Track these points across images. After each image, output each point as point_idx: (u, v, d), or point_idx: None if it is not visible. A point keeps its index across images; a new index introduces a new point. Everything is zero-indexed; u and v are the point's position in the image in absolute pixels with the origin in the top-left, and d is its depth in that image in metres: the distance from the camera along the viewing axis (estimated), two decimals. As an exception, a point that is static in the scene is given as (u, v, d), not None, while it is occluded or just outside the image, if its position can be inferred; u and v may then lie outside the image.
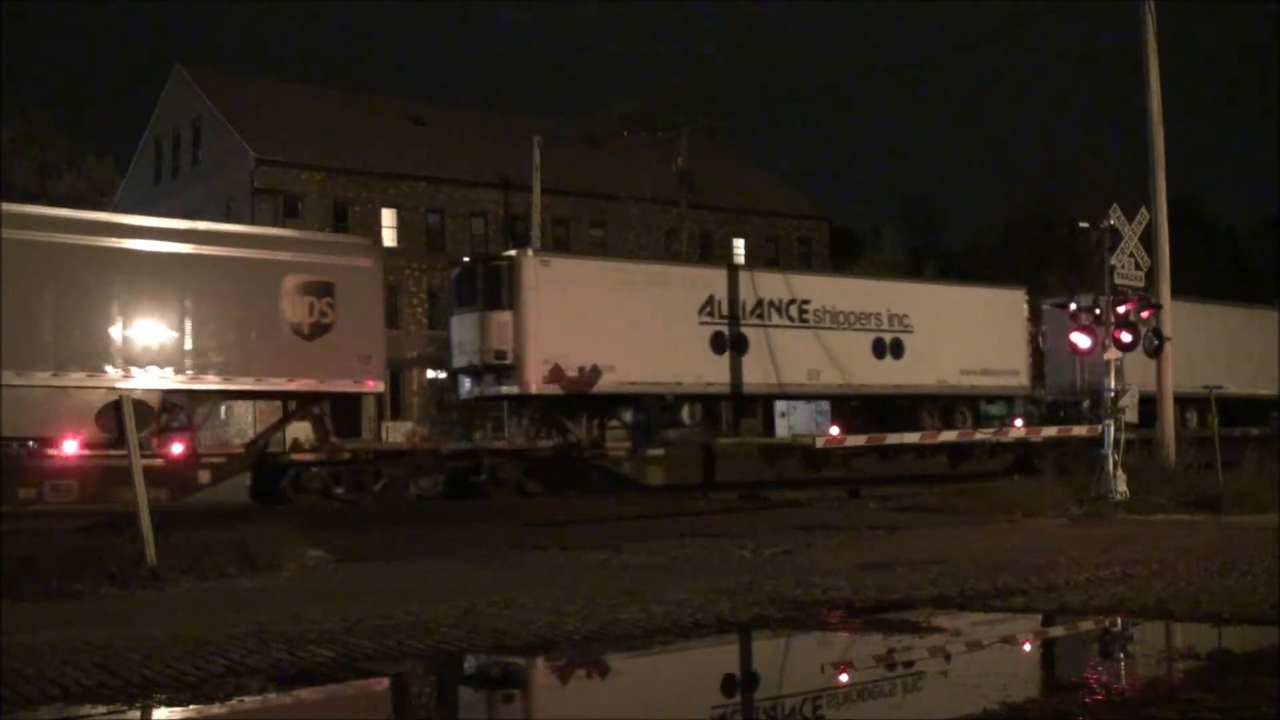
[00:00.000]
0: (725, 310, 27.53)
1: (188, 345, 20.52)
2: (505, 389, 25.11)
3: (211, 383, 20.84)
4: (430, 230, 48.55)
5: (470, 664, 6.91)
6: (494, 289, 24.96)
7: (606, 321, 25.62)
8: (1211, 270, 55.52)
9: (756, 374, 27.76)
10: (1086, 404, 22.73)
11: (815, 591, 9.10)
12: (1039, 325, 34.46)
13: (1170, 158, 21.66)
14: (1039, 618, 8.20)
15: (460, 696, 6.64)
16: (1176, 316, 32.34)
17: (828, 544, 12.96)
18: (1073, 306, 19.12)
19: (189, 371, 20.48)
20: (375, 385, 22.69)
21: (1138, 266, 20.18)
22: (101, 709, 5.69)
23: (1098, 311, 19.08)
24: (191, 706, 5.77)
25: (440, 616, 7.96)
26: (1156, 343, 20.18)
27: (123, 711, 5.67)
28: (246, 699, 5.92)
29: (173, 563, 10.16)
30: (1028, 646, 7.66)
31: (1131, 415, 19.36)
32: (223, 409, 41.26)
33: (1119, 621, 8.11)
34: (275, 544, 11.23)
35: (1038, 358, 34.79)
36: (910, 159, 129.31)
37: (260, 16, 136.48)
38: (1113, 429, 18.30)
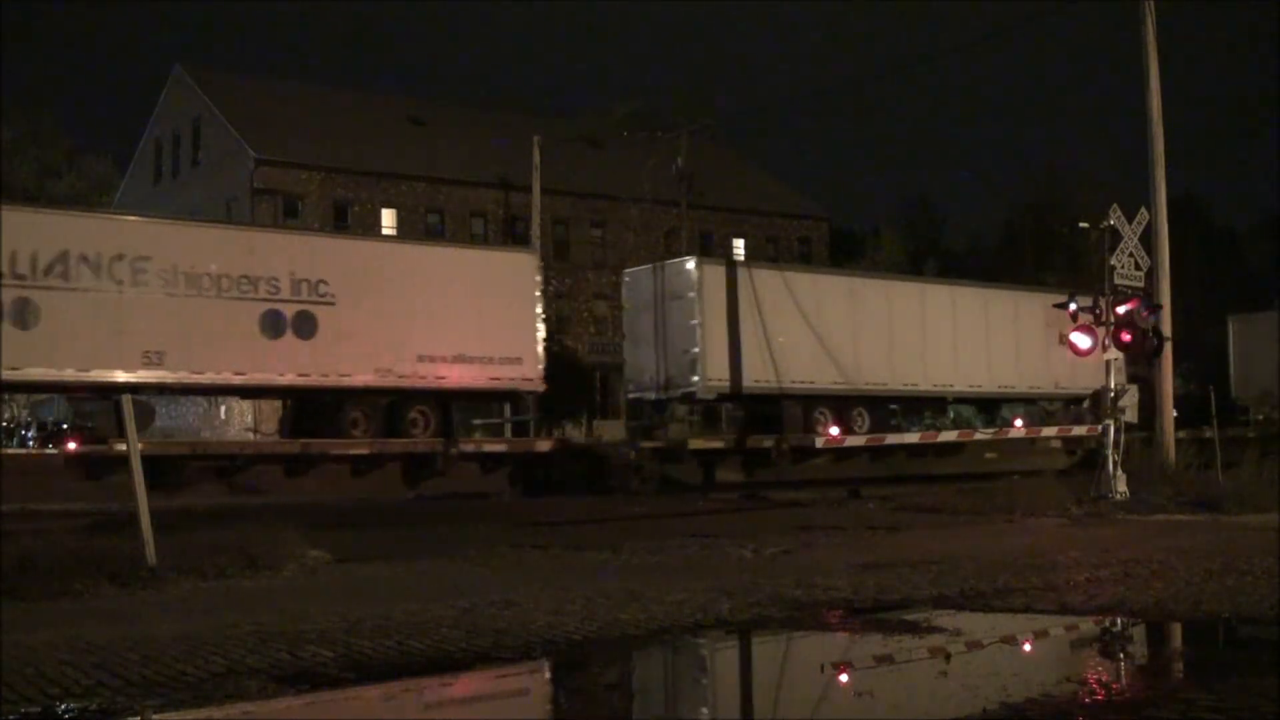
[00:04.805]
0: None
1: None
2: None
3: None
4: (430, 230, 48.54)
5: (469, 663, 6.89)
6: None
7: None
8: (1211, 270, 55.52)
9: (37, 355, 20.59)
10: (1087, 403, 22.70)
11: (816, 591, 9.10)
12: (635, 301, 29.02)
13: (1170, 158, 21.70)
14: (1039, 618, 8.19)
15: (459, 696, 6.63)
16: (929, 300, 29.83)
17: (828, 544, 12.96)
18: (1073, 306, 19.12)
19: None
20: None
21: (1138, 266, 20.21)
22: (101, 709, 5.69)
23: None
24: (191, 707, 5.76)
25: (440, 616, 7.96)
26: (1156, 343, 20.18)
27: (123, 712, 5.67)
28: (246, 699, 5.92)
29: (173, 563, 10.16)
30: (1028, 646, 7.66)
31: (1131, 415, 19.39)
32: (222, 408, 41.17)
33: (1119, 621, 8.10)
34: (275, 544, 11.22)
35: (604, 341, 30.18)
36: (910, 159, 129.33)
37: (260, 16, 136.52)
38: (1112, 429, 18.32)
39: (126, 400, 10.96)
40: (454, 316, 24.45)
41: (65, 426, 29.51)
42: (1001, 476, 23.60)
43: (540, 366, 25.66)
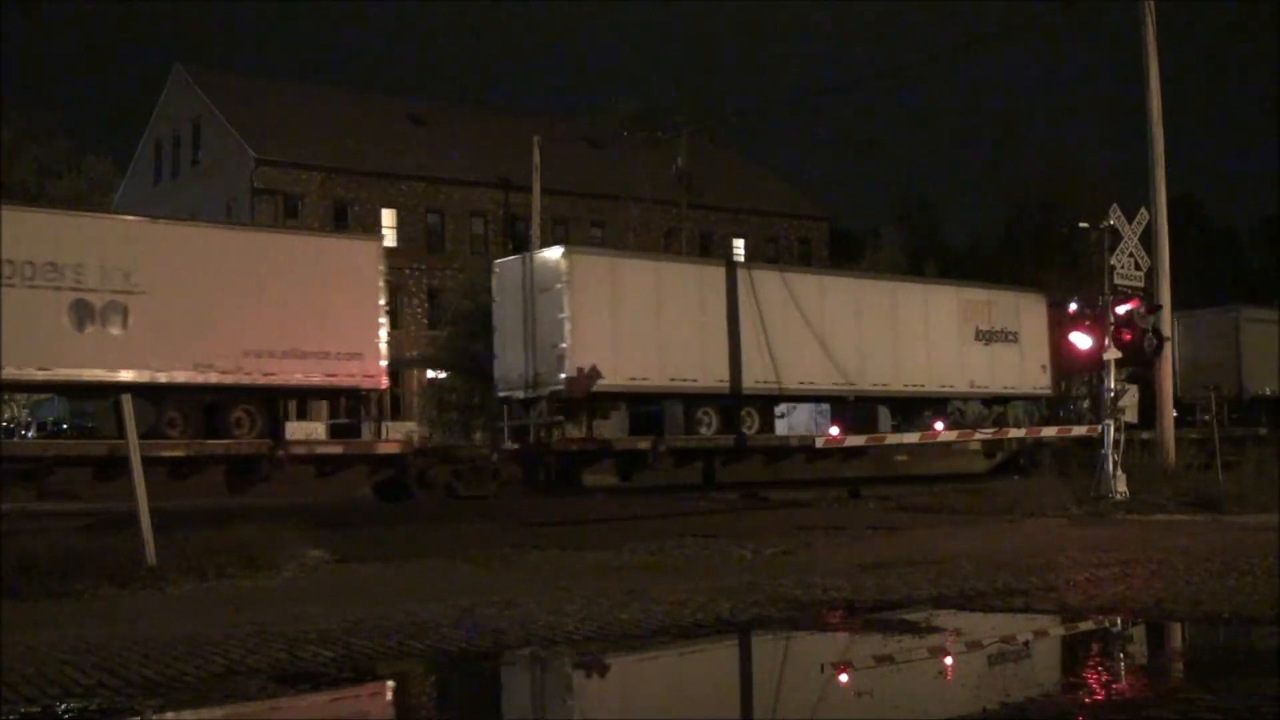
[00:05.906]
0: None
1: None
2: None
3: None
4: (430, 230, 48.57)
5: (469, 664, 6.90)
6: None
7: None
8: (1211, 270, 55.55)
9: None
10: (1086, 403, 22.71)
11: (815, 591, 9.10)
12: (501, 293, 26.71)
13: (1170, 158, 21.71)
14: (1039, 618, 8.20)
15: (461, 697, 6.63)
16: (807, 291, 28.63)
17: (828, 544, 12.96)
18: (1073, 307, 19.13)
19: None
20: None
21: (1137, 266, 20.20)
22: (101, 709, 5.69)
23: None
24: (191, 707, 5.76)
25: (440, 616, 7.96)
26: (1156, 343, 20.16)
27: (123, 712, 5.67)
28: (246, 699, 5.92)
29: (173, 563, 10.17)
30: (1028, 646, 7.66)
31: (1131, 415, 19.38)
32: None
33: (1119, 621, 8.11)
34: (275, 544, 11.23)
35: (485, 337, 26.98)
36: (910, 159, 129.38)
37: (260, 16, 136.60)
38: (1112, 429, 18.32)
39: (126, 400, 10.95)
40: (286, 308, 22.59)
41: (65, 426, 29.53)
42: (920, 481, 23.32)
43: (383, 363, 23.89)
